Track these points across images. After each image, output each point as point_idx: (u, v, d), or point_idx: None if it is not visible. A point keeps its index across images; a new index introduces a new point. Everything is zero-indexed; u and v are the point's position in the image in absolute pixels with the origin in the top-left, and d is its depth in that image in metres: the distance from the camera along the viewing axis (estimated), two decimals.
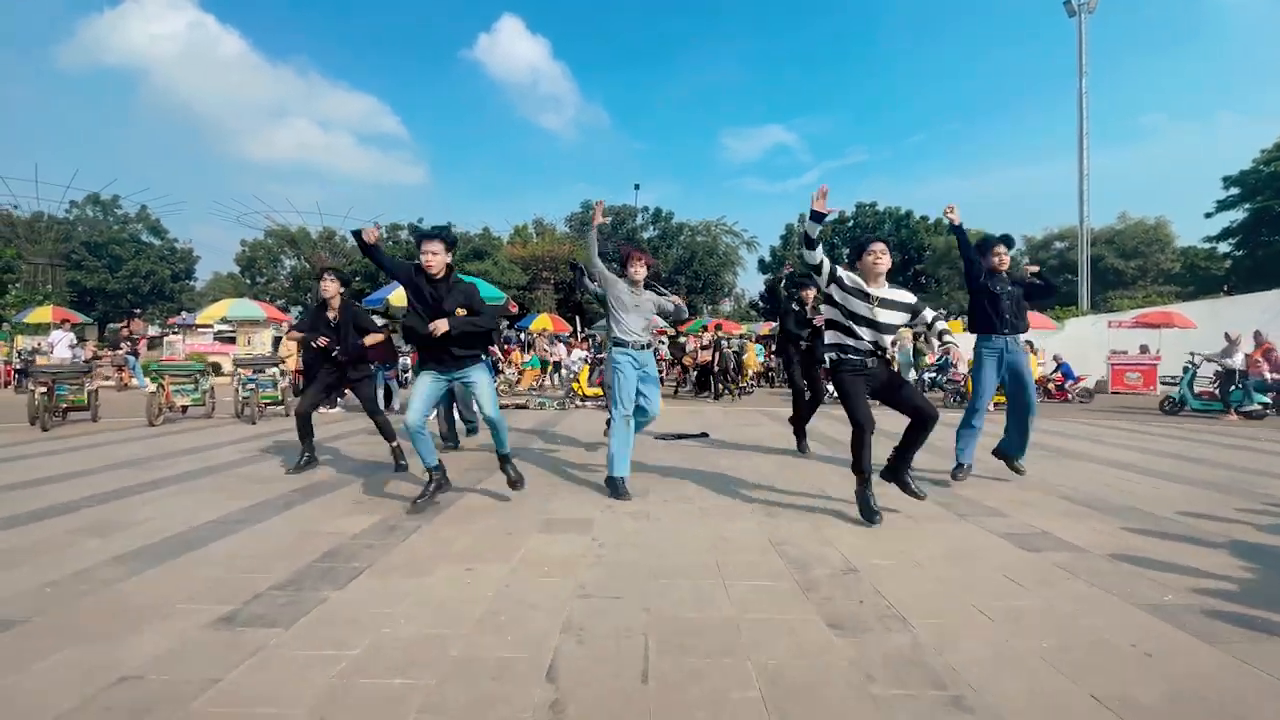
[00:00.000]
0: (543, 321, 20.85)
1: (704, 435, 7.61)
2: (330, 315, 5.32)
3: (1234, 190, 34.89)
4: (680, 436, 7.47)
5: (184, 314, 27.49)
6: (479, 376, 4.13)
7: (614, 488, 4.35)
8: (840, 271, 3.98)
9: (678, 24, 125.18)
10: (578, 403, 11.94)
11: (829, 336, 4.04)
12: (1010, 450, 5.08)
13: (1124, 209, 37.70)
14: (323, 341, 5.17)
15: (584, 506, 4.10)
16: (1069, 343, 17.22)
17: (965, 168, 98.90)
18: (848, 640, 2.22)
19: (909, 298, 4.02)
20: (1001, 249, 4.93)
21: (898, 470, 4.02)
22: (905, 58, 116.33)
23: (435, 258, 3.97)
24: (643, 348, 4.56)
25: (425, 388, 4.03)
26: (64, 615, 2.41)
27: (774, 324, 27.56)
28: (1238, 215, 34.82)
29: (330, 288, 5.32)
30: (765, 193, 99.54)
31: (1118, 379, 16.68)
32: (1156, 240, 32.47)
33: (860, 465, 3.83)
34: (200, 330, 22.60)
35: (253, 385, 9.05)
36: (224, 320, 19.52)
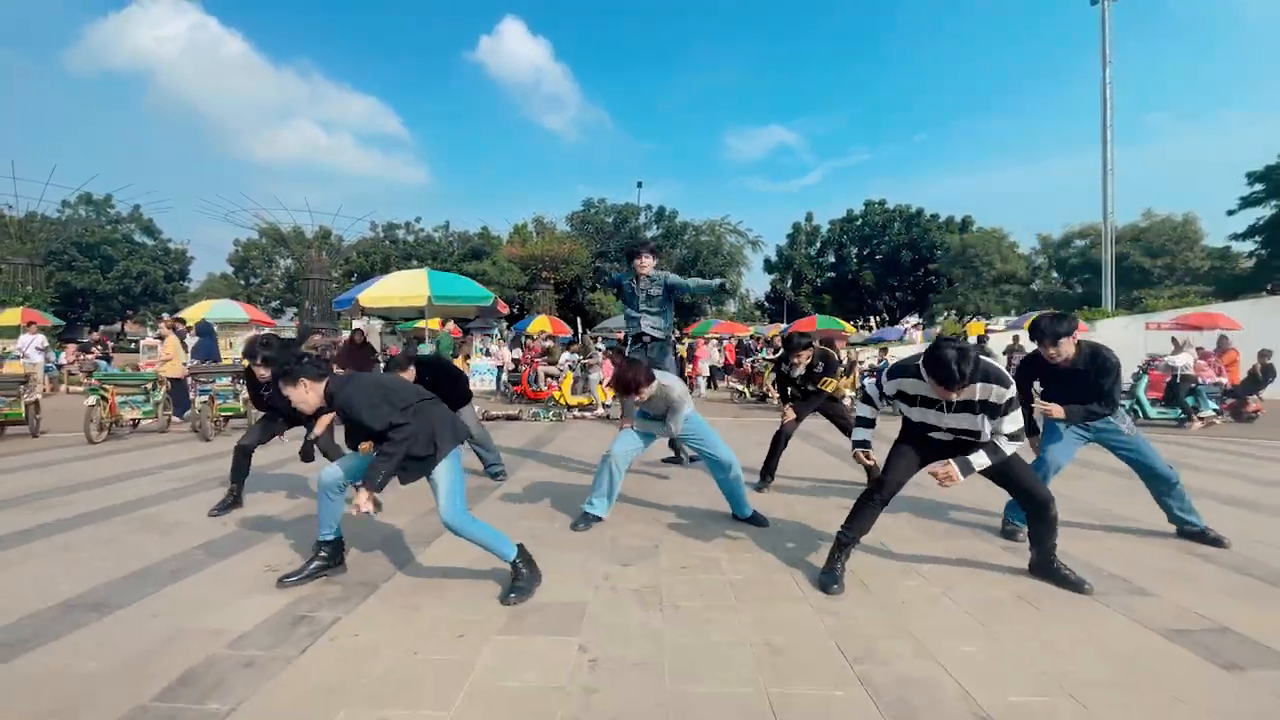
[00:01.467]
0: (541, 323, 19.78)
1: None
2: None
3: (1259, 186, 33.61)
4: (694, 458, 6.40)
5: (165, 316, 26.49)
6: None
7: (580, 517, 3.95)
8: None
9: (679, 25, 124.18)
10: (576, 413, 10.87)
11: None
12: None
13: (1149, 206, 36.49)
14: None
15: (573, 580, 3.02)
16: None
17: (971, 166, 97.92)
18: None
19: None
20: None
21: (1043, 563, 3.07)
22: (907, 58, 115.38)
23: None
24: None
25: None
26: None
27: (783, 326, 26.48)
28: (1264, 212, 33.54)
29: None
30: (769, 192, 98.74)
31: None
32: (1185, 237, 31.19)
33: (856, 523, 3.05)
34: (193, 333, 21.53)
35: (207, 396, 8.00)
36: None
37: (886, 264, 42.76)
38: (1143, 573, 3.17)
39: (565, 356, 13.02)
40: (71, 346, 19.32)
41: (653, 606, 2.69)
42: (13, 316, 17.26)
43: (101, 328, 34.81)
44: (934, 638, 2.41)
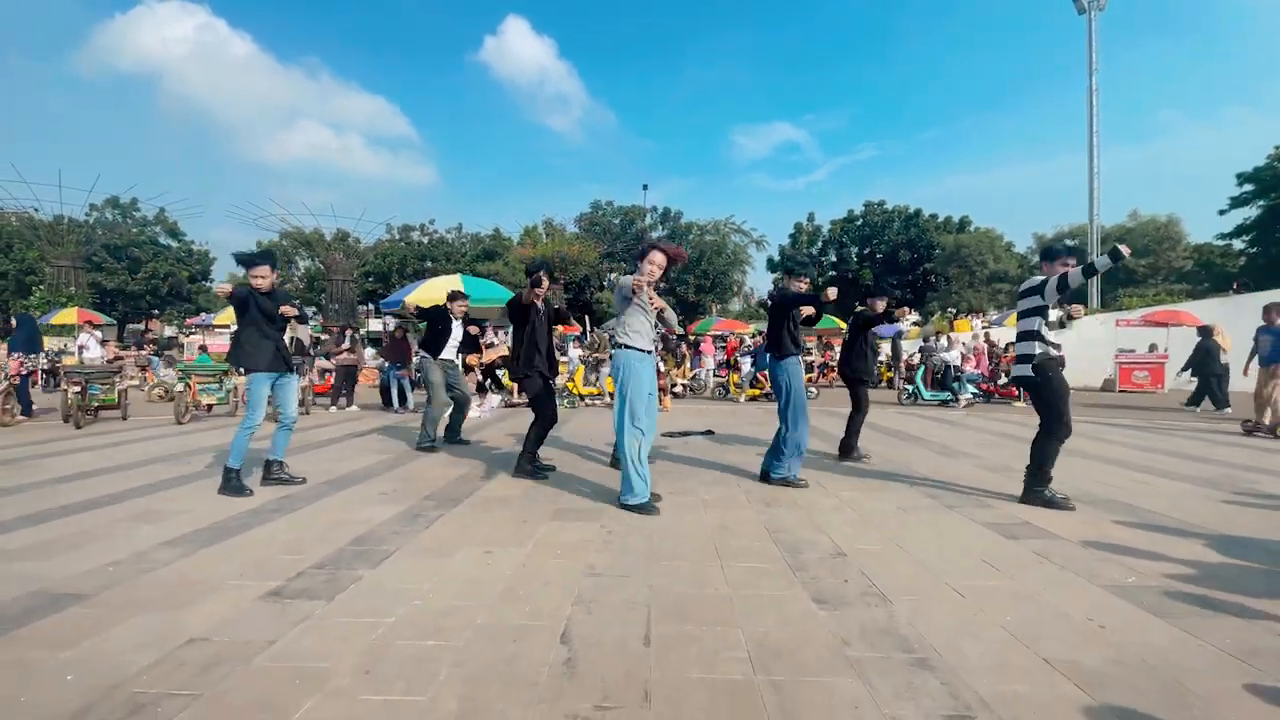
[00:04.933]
0: None
1: (709, 433, 7.86)
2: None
3: (1248, 186, 34.62)
4: (686, 434, 7.73)
5: (203, 315, 28.06)
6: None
7: (641, 510, 3.98)
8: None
9: (684, 21, 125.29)
10: (587, 402, 12.21)
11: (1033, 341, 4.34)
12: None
13: (1135, 207, 37.60)
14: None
15: (593, 498, 4.36)
16: (1080, 343, 17.30)
17: (978, 163, 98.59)
18: (829, 613, 2.47)
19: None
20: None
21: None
22: (916, 54, 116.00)
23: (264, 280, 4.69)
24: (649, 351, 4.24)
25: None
26: (130, 590, 2.71)
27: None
28: (1252, 212, 34.56)
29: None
30: (775, 190, 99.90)
31: (1125, 378, 16.72)
32: (1168, 238, 32.30)
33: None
34: (218, 330, 23.14)
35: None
36: None
37: (886, 263, 43.99)
38: (1000, 500, 4.46)
39: (573, 352, 14.41)
40: (111, 344, 20.89)
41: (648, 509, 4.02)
42: (69, 316, 18.77)
43: (128, 326, 36.49)
44: (830, 526, 3.72)
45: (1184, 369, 12.20)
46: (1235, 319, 17.80)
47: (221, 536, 3.47)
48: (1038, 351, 4.27)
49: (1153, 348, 17.68)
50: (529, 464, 5.11)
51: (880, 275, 43.45)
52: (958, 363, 12.61)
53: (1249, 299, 19.48)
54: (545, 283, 5.21)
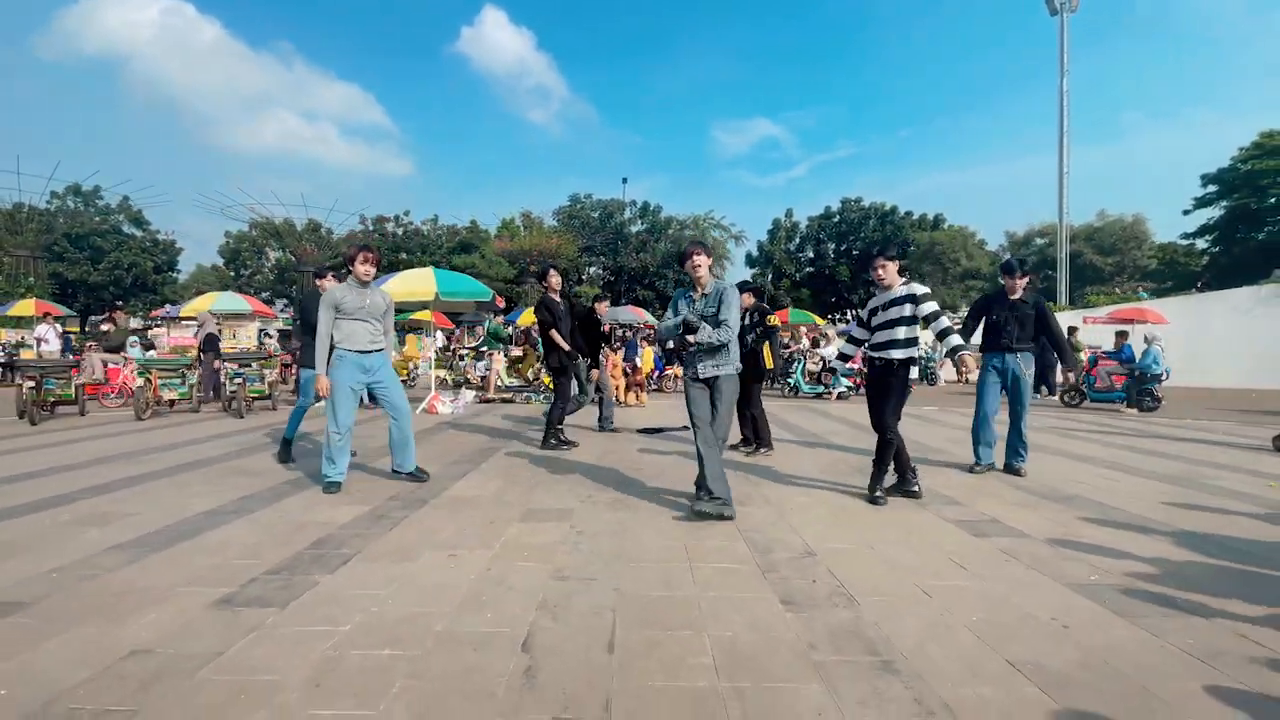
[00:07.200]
0: (530, 316, 20.95)
1: (686, 428, 7.83)
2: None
3: (1212, 188, 35.50)
4: (660, 430, 7.69)
5: (168, 306, 27.32)
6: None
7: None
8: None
9: (664, 16, 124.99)
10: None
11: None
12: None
13: (1103, 206, 38.44)
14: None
15: (565, 498, 4.29)
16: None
17: (953, 162, 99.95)
18: (796, 615, 2.44)
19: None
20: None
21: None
22: (894, 53, 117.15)
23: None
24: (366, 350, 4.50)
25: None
26: (71, 598, 2.58)
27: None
28: (1214, 213, 35.46)
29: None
30: (756, 186, 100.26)
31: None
32: (1134, 237, 33.08)
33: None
34: (185, 324, 22.51)
35: (240, 379, 9.13)
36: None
37: (862, 259, 44.32)
38: (969, 495, 4.48)
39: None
40: (72, 338, 20.18)
41: (620, 509, 3.97)
42: (27, 307, 18.11)
43: (90, 319, 35.32)
44: (801, 523, 3.70)
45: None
46: (1199, 316, 18.44)
47: (174, 540, 3.33)
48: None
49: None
50: (555, 439, 6.25)
51: (856, 271, 43.87)
52: (835, 358, 13.00)
53: (1212, 297, 20.07)
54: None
